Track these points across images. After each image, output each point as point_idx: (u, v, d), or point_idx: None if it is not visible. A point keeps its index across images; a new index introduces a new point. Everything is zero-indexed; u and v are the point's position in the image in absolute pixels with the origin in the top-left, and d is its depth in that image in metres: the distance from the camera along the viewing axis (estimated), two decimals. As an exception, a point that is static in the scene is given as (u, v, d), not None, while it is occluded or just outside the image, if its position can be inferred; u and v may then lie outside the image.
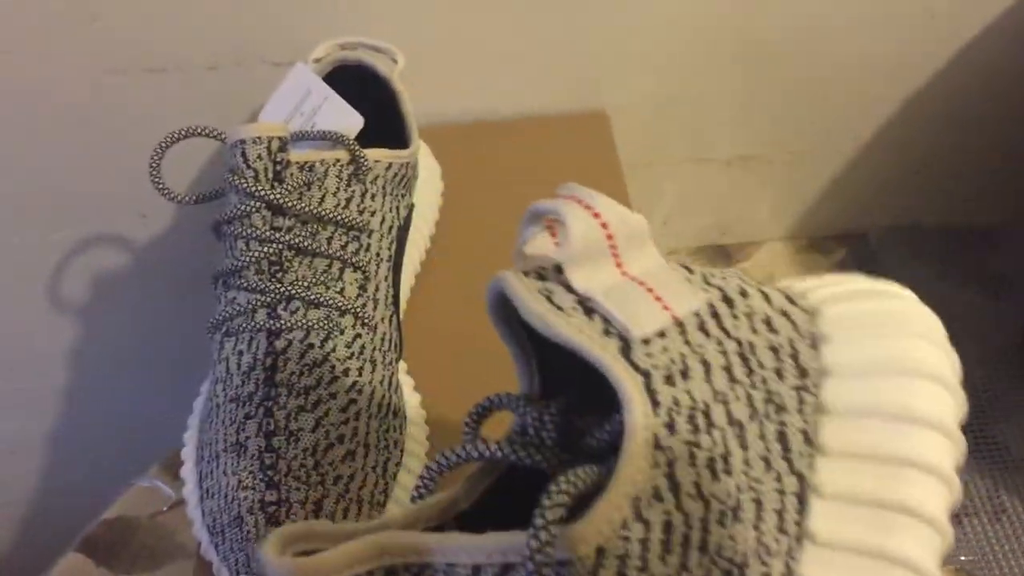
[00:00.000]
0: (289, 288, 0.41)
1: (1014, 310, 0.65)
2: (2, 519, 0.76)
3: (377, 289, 0.44)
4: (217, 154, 0.60)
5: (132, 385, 0.72)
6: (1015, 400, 0.60)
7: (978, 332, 0.64)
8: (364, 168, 0.44)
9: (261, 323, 0.41)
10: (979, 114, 0.66)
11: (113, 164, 0.60)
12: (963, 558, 0.54)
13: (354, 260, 0.43)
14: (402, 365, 0.47)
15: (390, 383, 0.44)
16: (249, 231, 0.41)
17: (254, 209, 0.41)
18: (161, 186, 0.44)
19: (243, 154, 0.41)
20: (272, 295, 0.41)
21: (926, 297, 0.65)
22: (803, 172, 0.68)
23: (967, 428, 0.58)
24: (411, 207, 0.50)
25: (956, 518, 0.55)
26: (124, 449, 0.67)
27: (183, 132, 0.44)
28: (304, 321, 0.41)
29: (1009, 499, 0.56)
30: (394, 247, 0.47)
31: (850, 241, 0.70)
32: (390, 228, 0.46)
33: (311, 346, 0.41)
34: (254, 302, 0.41)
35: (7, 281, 0.64)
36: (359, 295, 0.43)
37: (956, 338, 0.63)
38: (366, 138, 0.46)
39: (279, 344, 0.41)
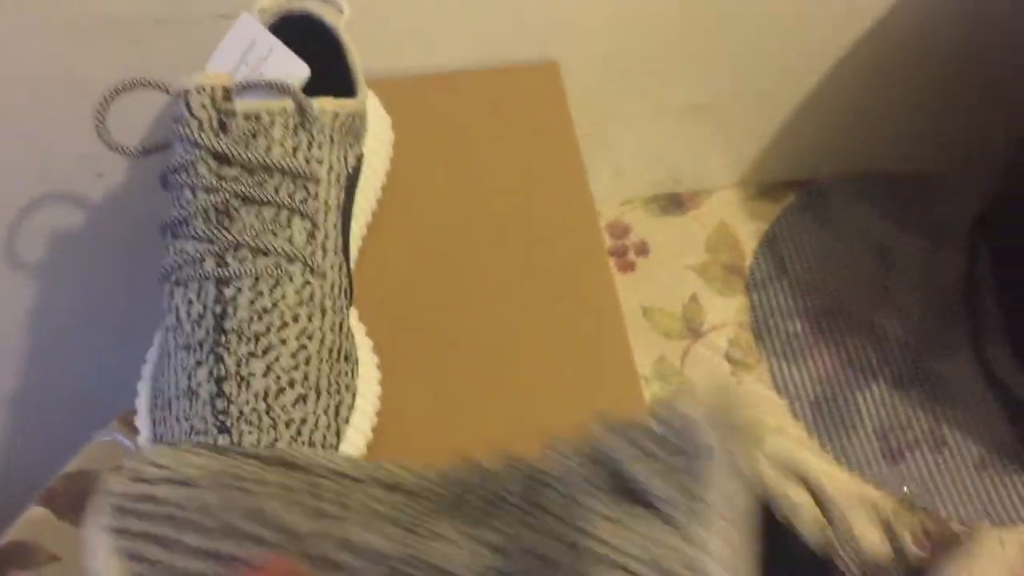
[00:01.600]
0: (237, 236, 0.42)
1: (954, 254, 0.67)
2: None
3: (326, 237, 0.45)
4: (167, 107, 0.60)
5: (89, 345, 0.72)
6: (954, 338, 0.62)
7: (921, 274, 0.66)
8: (310, 117, 0.45)
9: (210, 271, 0.41)
10: (926, 63, 0.67)
11: (66, 121, 0.60)
12: (905, 489, 0.56)
13: (302, 208, 0.44)
14: (354, 312, 0.47)
15: (340, 329, 0.44)
16: (195, 180, 0.42)
17: (199, 158, 0.42)
18: (107, 138, 0.45)
19: (187, 104, 0.42)
20: (220, 243, 0.41)
21: (873, 241, 0.67)
22: (754, 120, 0.69)
23: (911, 365, 0.60)
24: (360, 157, 0.50)
25: (899, 451, 0.57)
26: (81, 408, 0.67)
27: (127, 84, 0.44)
28: (253, 269, 0.41)
29: (950, 432, 0.58)
30: (343, 196, 0.47)
31: (800, 187, 0.72)
32: (338, 177, 0.47)
33: (260, 293, 0.41)
34: (202, 251, 0.42)
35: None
36: (308, 243, 0.44)
37: (902, 280, 0.65)
38: (313, 89, 0.46)
39: (228, 292, 0.41)
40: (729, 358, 0.62)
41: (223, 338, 0.40)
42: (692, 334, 0.63)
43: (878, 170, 0.72)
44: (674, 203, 0.71)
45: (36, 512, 0.54)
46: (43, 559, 0.53)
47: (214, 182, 0.42)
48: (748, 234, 0.69)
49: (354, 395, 0.44)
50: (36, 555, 0.53)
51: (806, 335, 0.63)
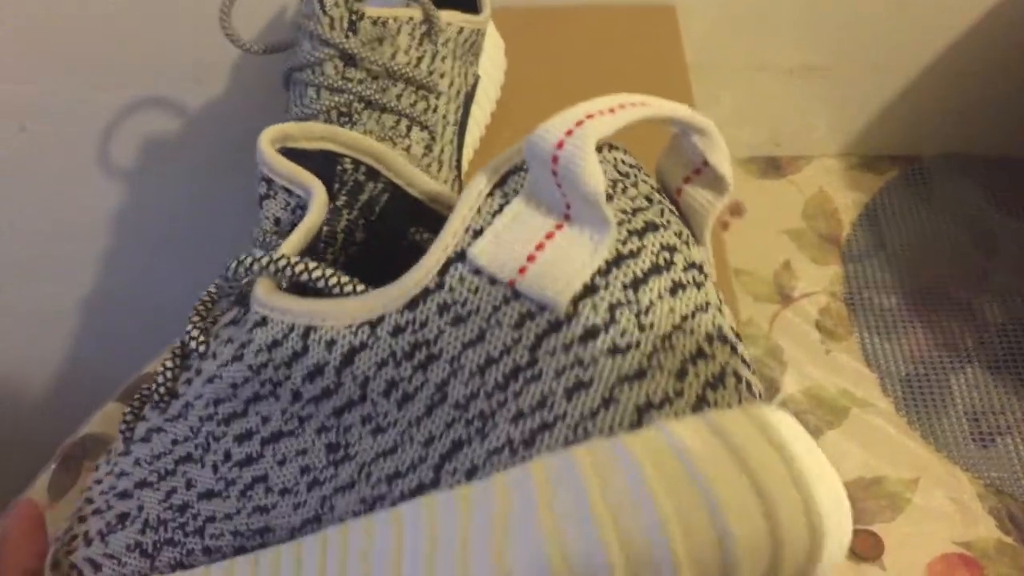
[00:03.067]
0: (357, 140, 0.41)
1: (1061, 243, 0.64)
2: (41, 375, 0.77)
3: (442, 151, 0.44)
4: (279, 13, 0.59)
5: (175, 254, 0.72)
6: (1056, 328, 0.60)
7: (1021, 257, 0.64)
8: (436, 29, 0.44)
9: (327, 173, 0.41)
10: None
11: (170, 26, 0.60)
12: (993, 474, 0.54)
13: (422, 119, 0.43)
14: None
15: (450, 245, 0.44)
16: (321, 79, 0.41)
17: (327, 57, 0.41)
18: (231, 33, 0.44)
19: (320, 1, 0.41)
20: (340, 146, 0.41)
21: (976, 223, 0.65)
22: (864, 89, 0.67)
23: (1008, 351, 0.58)
24: (477, 77, 0.49)
25: (990, 435, 0.56)
26: (163, 315, 0.67)
27: (255, -20, 0.44)
28: (370, 174, 0.41)
29: (1044, 422, 0.56)
30: (460, 113, 0.46)
31: (903, 162, 0.70)
32: (458, 92, 0.46)
33: (376, 200, 0.41)
34: (321, 152, 0.41)
35: (53, 139, 0.64)
36: (425, 154, 0.43)
37: (1003, 264, 0.63)
38: (437, 4, 0.46)
39: (344, 195, 0.41)
40: (819, 326, 0.61)
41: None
42: (783, 299, 0.62)
43: (985, 152, 0.70)
44: (772, 166, 0.70)
45: (114, 408, 0.54)
46: (120, 453, 0.53)
47: (339, 83, 0.41)
48: (847, 204, 0.67)
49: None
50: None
51: (901, 312, 0.61)
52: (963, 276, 0.63)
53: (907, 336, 0.60)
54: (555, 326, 0.21)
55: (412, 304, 0.23)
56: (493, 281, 0.22)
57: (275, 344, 0.24)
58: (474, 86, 0.48)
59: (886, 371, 0.58)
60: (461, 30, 0.46)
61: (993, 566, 0.51)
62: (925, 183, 0.68)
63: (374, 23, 0.42)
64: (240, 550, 0.26)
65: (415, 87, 0.43)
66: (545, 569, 0.17)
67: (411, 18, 0.43)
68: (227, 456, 0.26)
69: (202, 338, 0.27)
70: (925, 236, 0.65)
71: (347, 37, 0.41)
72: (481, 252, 0.22)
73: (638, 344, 0.21)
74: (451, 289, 0.23)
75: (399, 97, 0.42)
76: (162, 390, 0.28)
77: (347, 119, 0.41)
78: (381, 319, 0.23)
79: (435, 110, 0.44)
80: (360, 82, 0.41)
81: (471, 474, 0.22)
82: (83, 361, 0.77)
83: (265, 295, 0.24)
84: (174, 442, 0.28)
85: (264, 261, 0.24)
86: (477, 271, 0.22)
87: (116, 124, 0.65)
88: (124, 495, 0.30)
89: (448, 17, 0.45)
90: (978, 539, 0.52)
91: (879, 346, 0.59)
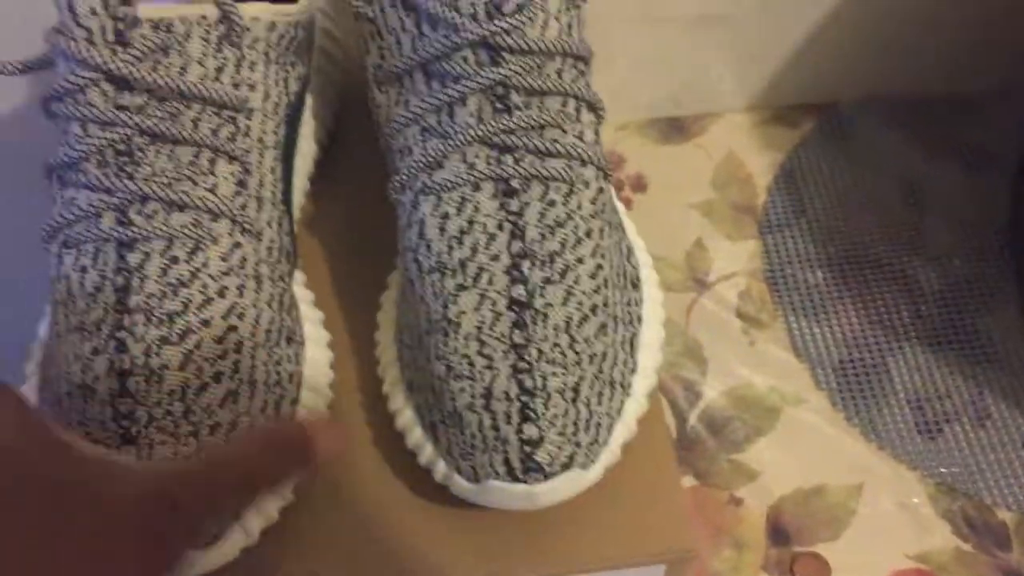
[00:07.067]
0: (143, 185, 0.32)
1: (995, 184, 0.58)
2: None
3: (261, 185, 0.35)
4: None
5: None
6: (998, 288, 0.54)
7: (956, 210, 0.58)
8: (239, 28, 0.35)
9: (108, 231, 0.32)
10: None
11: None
12: (943, 470, 0.48)
13: (229, 148, 0.34)
14: (299, 276, 0.38)
15: (281, 303, 0.35)
16: (85, 111, 0.32)
17: (90, 82, 0.32)
18: (-26, 53, 0.35)
19: (70, 7, 0.32)
20: (121, 195, 0.32)
21: (903, 174, 0.59)
22: (769, 34, 0.60)
23: (949, 322, 0.52)
24: (305, 80, 0.40)
25: (936, 424, 0.50)
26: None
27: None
28: (165, 228, 0.32)
29: (994, 402, 0.51)
30: (283, 131, 0.37)
31: (819, 112, 0.63)
32: (276, 106, 0.37)
33: (175, 260, 0.32)
34: (98, 204, 0.32)
35: None
36: (237, 193, 0.34)
37: (936, 219, 0.57)
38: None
39: (133, 258, 0.32)
40: (740, 313, 0.54)
41: (127, 319, 0.31)
42: (697, 285, 0.55)
43: (909, 92, 0.63)
44: (675, 128, 0.62)
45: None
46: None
47: (111, 114, 0.32)
48: (761, 167, 0.60)
49: (298, 386, 0.35)
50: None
51: (828, 287, 0.55)
52: (893, 237, 0.57)
53: (837, 315, 0.54)
54: None
55: None
56: None
57: None
58: (300, 93, 0.39)
59: (817, 360, 0.52)
60: (273, 26, 0.36)
61: (952, 579, 0.45)
62: (845, 133, 0.62)
63: (154, 28, 0.33)
64: None
65: (216, 107, 0.34)
66: None
67: (204, 17, 0.34)
68: None
69: None
70: (849, 195, 0.59)
71: (114, 53, 0.32)
72: None
73: None
74: None
75: (195, 123, 0.33)
76: None
77: (127, 158, 0.32)
78: None
79: (247, 133, 0.35)
80: (140, 109, 0.32)
81: None
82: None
83: None
84: None
85: None
86: None
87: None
88: None
89: (253, 10, 0.36)
90: (934, 550, 0.46)
91: (807, 331, 0.53)
